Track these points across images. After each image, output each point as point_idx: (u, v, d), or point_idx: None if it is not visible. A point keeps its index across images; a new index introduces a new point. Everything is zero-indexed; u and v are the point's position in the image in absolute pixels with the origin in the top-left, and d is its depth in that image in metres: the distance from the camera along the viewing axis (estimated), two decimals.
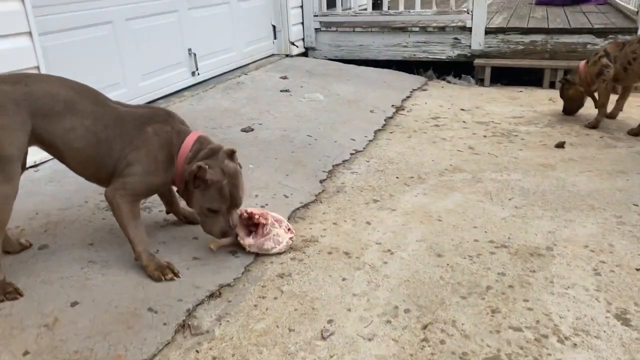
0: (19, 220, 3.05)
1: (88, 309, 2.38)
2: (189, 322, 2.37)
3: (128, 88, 4.88)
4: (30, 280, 2.56)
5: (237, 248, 2.85)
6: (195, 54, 5.77)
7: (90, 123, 2.54)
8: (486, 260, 2.87)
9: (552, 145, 4.60)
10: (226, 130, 4.61)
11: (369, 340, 2.28)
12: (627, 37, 5.47)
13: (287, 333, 2.32)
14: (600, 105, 5.01)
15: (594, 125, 5.02)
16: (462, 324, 2.38)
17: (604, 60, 4.91)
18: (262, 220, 2.83)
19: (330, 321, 2.39)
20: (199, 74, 5.91)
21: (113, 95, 4.48)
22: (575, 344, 2.24)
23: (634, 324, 2.35)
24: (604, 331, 2.32)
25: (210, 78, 6.10)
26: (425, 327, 2.36)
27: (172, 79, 5.50)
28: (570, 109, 5.37)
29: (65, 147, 2.56)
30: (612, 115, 5.26)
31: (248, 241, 2.81)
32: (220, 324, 2.37)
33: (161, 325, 2.31)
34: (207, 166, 2.54)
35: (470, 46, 7.13)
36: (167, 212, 3.11)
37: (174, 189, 2.89)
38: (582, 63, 5.20)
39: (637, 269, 2.76)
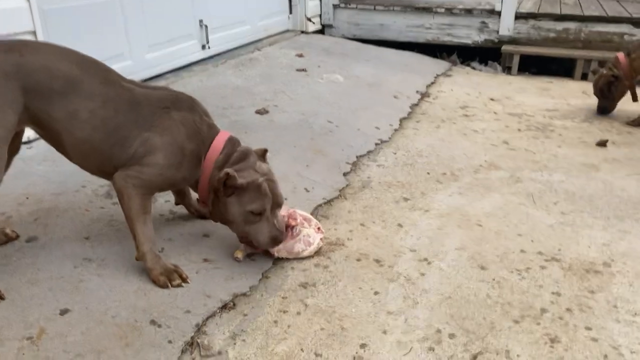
0: (6, 206, 2.68)
1: (80, 318, 2.03)
2: (198, 340, 2.02)
3: (133, 60, 4.47)
4: (15, 280, 2.20)
5: (258, 251, 2.49)
6: (206, 26, 5.34)
7: (98, 107, 2.16)
8: (537, 276, 2.52)
9: (593, 143, 4.22)
10: (238, 111, 4.22)
11: None
12: None
13: (314, 359, 1.97)
14: None
15: (638, 122, 4.62)
16: (518, 356, 2.03)
17: None
18: (292, 222, 2.47)
19: (363, 345, 2.04)
20: (209, 48, 5.49)
21: (117, 67, 4.08)
22: None
23: None
24: None
25: (222, 53, 5.68)
26: (474, 357, 2.01)
27: (181, 52, 5.08)
28: (612, 107, 4.88)
29: (65, 135, 2.17)
30: None
31: None
32: (235, 344, 2.02)
33: (165, 343, 1.96)
34: (234, 173, 2.20)
35: (498, 31, 6.70)
36: (177, 204, 2.74)
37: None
38: (622, 55, 4.74)
39: None
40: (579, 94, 5.67)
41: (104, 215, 2.71)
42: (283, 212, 2.48)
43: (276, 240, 2.34)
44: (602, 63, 5.40)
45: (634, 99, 4.81)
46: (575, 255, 2.69)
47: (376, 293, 2.34)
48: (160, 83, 4.57)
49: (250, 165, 2.30)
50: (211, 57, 5.50)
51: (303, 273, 2.44)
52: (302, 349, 2.01)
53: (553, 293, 2.39)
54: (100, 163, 2.25)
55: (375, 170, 3.56)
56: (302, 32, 7.04)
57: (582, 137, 4.37)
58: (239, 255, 2.42)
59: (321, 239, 2.56)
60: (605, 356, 2.04)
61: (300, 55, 5.94)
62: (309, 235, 2.48)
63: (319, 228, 2.57)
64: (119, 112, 2.18)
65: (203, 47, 5.39)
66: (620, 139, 4.34)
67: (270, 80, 5.02)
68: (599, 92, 4.87)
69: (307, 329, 2.11)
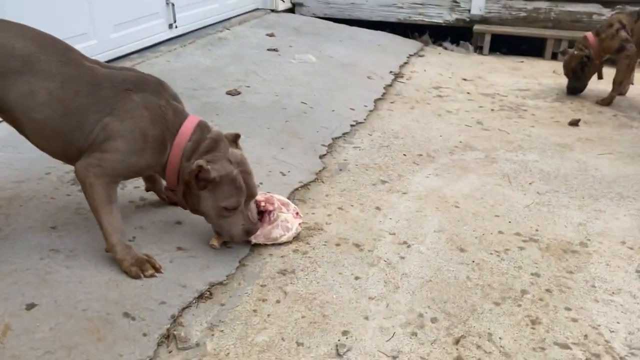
0: None
1: (48, 312, 1.93)
2: (175, 332, 1.94)
3: (98, 39, 4.28)
4: None
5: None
6: (173, 4, 5.15)
7: (56, 87, 2.02)
8: (515, 257, 2.51)
9: (566, 123, 4.25)
10: (209, 92, 4.09)
11: (394, 358, 1.91)
12: (637, 9, 5.02)
13: (295, 348, 1.92)
14: (618, 81, 4.64)
15: (608, 101, 4.67)
16: (500, 339, 2.02)
17: (624, 34, 4.51)
18: (269, 207, 2.39)
19: (345, 333, 2.00)
20: (177, 27, 5.30)
21: (79, 47, 3.89)
22: None
23: None
24: None
25: (189, 32, 5.50)
26: (457, 341, 2.00)
27: (147, 31, 4.89)
28: (583, 87, 4.90)
29: (24, 118, 2.04)
30: (623, 92, 4.93)
31: None
32: (213, 335, 1.95)
33: (140, 337, 1.88)
34: (208, 165, 2.09)
35: (469, 10, 6.67)
36: (147, 190, 2.62)
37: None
38: (591, 35, 4.72)
39: None
40: (549, 73, 5.70)
41: (71, 203, 2.58)
42: (260, 197, 2.40)
43: (251, 233, 2.27)
44: (572, 43, 5.41)
45: (600, 77, 4.85)
46: (552, 235, 2.70)
47: (357, 278, 2.30)
48: (126, 64, 4.39)
49: (223, 154, 2.19)
50: (179, 37, 5.32)
51: (282, 259, 2.38)
52: (283, 339, 1.96)
53: (532, 274, 2.39)
54: (63, 148, 2.12)
55: (351, 152, 3.50)
56: (272, 10, 6.88)
57: (554, 117, 4.39)
58: (215, 242, 2.34)
59: (300, 224, 2.49)
60: (586, 336, 2.05)
61: (271, 35, 5.80)
62: (287, 221, 2.42)
63: (297, 213, 2.51)
64: (80, 93, 2.05)
65: (170, 26, 5.20)
66: (592, 118, 4.38)
67: (241, 61, 4.88)
68: (570, 72, 4.86)
69: (288, 318, 2.05)
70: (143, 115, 2.10)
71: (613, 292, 2.29)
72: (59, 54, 2.07)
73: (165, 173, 2.23)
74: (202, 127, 2.22)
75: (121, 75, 2.16)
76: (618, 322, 2.12)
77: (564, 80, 5.08)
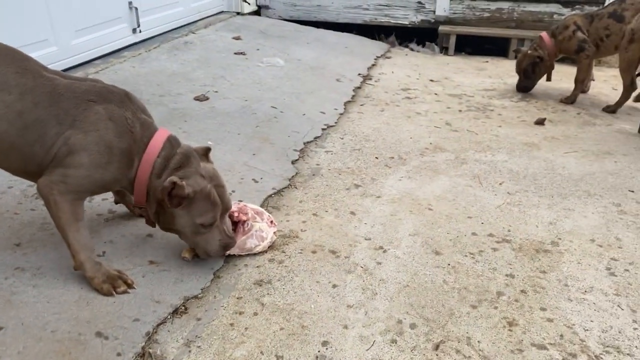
0: None
1: (15, 335, 1.85)
2: (150, 350, 1.88)
3: (58, 46, 4.15)
4: None
5: None
6: (136, 8, 5.04)
7: (13, 99, 1.94)
8: (490, 258, 2.54)
9: (532, 122, 4.33)
10: (176, 98, 4.01)
11: None
12: (594, 9, 5.12)
13: None
14: (580, 80, 4.75)
15: (572, 100, 4.78)
16: (479, 342, 2.03)
17: (581, 35, 4.61)
18: (243, 217, 2.35)
19: (325, 343, 1.98)
20: (140, 32, 5.19)
21: (40, 55, 3.78)
22: None
23: None
24: (636, 347, 2.04)
25: (154, 36, 5.40)
26: (437, 347, 2.00)
27: (110, 37, 4.77)
28: (532, 86, 4.99)
29: None
30: (585, 90, 5.05)
31: None
32: (190, 351, 1.90)
33: (114, 357, 1.82)
34: (182, 181, 2.02)
35: (434, 12, 6.74)
36: (116, 202, 2.55)
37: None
38: (546, 35, 4.80)
39: None
40: (514, 72, 5.75)
41: (36, 218, 2.49)
42: (233, 207, 2.36)
43: (227, 248, 2.23)
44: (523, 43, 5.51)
45: (549, 78, 4.94)
46: (524, 235, 2.74)
47: (334, 286, 2.28)
48: (89, 70, 4.27)
49: (195, 169, 2.12)
50: (143, 42, 5.21)
51: (257, 270, 2.34)
52: (262, 352, 1.92)
53: (507, 275, 2.42)
54: (22, 163, 2.03)
55: (323, 157, 3.48)
56: (238, 13, 6.81)
57: (521, 116, 4.47)
58: (187, 255, 2.29)
59: (274, 232, 2.46)
60: (561, 336, 2.07)
61: (238, 38, 5.74)
62: (262, 230, 2.38)
63: (271, 221, 2.47)
64: (39, 105, 1.96)
65: (134, 30, 5.09)
66: (557, 117, 4.47)
67: (208, 65, 4.81)
68: (522, 72, 4.95)
69: (266, 330, 2.02)
70: (108, 127, 2.01)
71: (585, 291, 2.34)
72: (15, 65, 1.98)
73: (133, 189, 2.14)
74: (171, 142, 2.14)
75: (84, 86, 2.07)
76: (592, 321, 2.16)
77: None
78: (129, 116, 2.07)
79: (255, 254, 2.41)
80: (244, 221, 2.36)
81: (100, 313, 1.98)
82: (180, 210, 2.08)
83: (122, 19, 4.93)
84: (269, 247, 2.45)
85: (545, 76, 4.95)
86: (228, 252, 2.33)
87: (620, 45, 4.46)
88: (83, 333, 1.89)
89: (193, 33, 5.74)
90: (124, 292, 2.07)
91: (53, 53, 4.03)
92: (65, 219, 1.99)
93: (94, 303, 2.02)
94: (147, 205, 2.15)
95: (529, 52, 4.83)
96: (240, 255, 2.39)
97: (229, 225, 2.23)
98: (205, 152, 2.26)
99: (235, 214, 2.36)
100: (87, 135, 1.98)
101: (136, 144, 2.07)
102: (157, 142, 2.09)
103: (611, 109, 4.61)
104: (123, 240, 2.40)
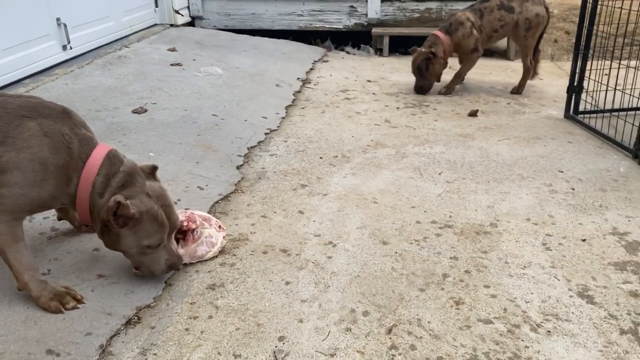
0: None
1: None
2: None
3: None
4: None
5: None
6: (65, 25, 4.92)
7: None
8: (434, 243, 2.64)
9: (465, 114, 4.52)
10: (114, 112, 3.95)
11: (331, 356, 1.94)
12: (475, 3, 4.97)
13: None
14: (463, 74, 5.12)
15: (451, 91, 5.05)
16: (429, 322, 2.12)
17: (476, 34, 4.82)
18: (191, 225, 2.35)
19: (281, 338, 2.01)
20: (71, 48, 5.06)
21: None
22: (549, 331, 2.07)
23: (598, 301, 2.24)
24: (573, 312, 2.18)
25: (86, 52, 5.27)
26: (390, 331, 2.07)
27: (39, 55, 4.63)
28: (429, 86, 5.02)
29: None
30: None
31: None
32: (147, 359, 1.89)
33: None
34: (127, 200, 1.98)
35: (366, 14, 6.91)
36: (59, 219, 2.49)
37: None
38: (441, 33, 4.84)
39: (583, 240, 2.68)
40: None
41: None
42: (180, 216, 2.35)
43: (175, 267, 2.20)
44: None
45: (438, 79, 5.07)
46: (465, 220, 2.86)
47: (287, 283, 2.32)
48: (20, 90, 4.14)
49: (140, 188, 2.07)
50: (75, 58, 5.09)
51: (209, 274, 2.34)
52: (219, 353, 1.93)
53: (451, 258, 2.53)
54: None
55: (268, 160, 3.52)
56: (172, 25, 6.75)
57: (455, 110, 4.65)
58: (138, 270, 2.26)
59: (224, 237, 2.47)
60: (505, 309, 2.19)
61: (173, 50, 5.70)
62: (212, 236, 2.39)
63: (220, 226, 2.48)
64: None
65: (64, 47, 4.96)
66: (488, 108, 4.69)
67: (145, 78, 4.75)
68: (416, 70, 4.96)
69: (222, 332, 2.03)
70: (42, 144, 1.94)
71: (524, 266, 2.48)
72: None
73: (75, 206, 2.08)
74: (111, 159, 2.07)
75: (17, 101, 2.00)
76: (532, 293, 2.29)
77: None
78: (66, 132, 2.00)
79: (206, 260, 2.41)
80: (193, 229, 2.37)
81: (49, 331, 1.93)
82: (126, 230, 2.03)
83: (51, 36, 4.80)
84: (219, 252, 2.46)
85: (436, 77, 5.03)
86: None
87: (518, 34, 4.85)
88: (32, 352, 1.84)
89: (127, 47, 5.65)
90: (74, 307, 2.03)
91: None
92: (4, 241, 1.93)
93: (42, 321, 1.98)
94: (92, 223, 2.11)
95: (423, 50, 4.86)
96: (194, 262, 2.39)
97: (175, 244, 2.21)
98: (151, 171, 2.21)
99: (185, 223, 2.36)
100: (19, 153, 1.91)
101: (74, 160, 2.01)
102: (95, 158, 2.03)
103: (517, 90, 5.06)
104: (69, 256, 2.35)
